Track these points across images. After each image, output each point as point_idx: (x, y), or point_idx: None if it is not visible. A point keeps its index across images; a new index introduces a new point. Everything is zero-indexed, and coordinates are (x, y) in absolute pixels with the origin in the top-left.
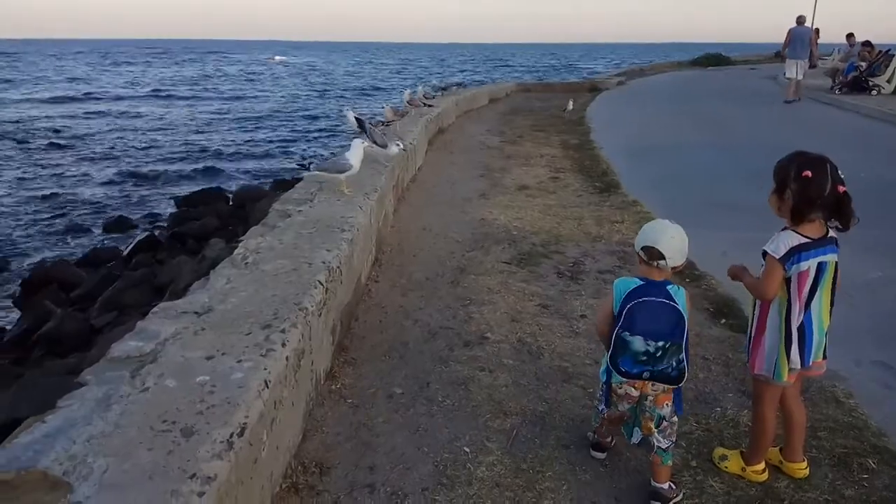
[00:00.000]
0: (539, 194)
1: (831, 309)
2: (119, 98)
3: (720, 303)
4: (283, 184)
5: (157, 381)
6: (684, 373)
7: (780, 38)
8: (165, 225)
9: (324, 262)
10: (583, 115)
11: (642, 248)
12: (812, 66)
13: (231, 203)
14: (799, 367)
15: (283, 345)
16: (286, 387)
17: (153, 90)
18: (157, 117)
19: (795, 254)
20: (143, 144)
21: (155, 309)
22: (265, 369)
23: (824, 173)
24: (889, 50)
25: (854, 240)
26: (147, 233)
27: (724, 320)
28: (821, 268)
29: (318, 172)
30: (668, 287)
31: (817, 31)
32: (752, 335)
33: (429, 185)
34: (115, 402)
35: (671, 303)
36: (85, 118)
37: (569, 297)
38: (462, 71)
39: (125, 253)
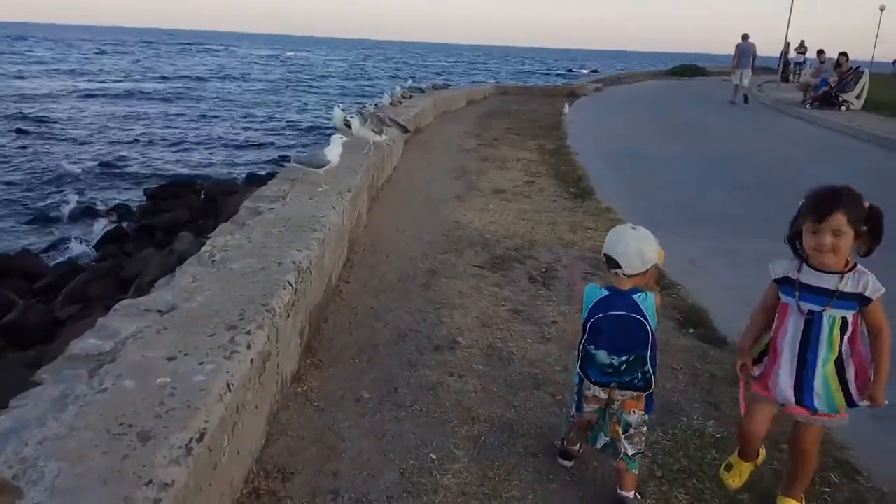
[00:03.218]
0: (514, 198)
1: None
2: (101, 85)
3: (689, 312)
4: (257, 178)
5: (115, 381)
6: (650, 382)
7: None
8: (134, 216)
9: (294, 262)
10: (559, 119)
11: (603, 255)
12: (784, 78)
13: (203, 196)
14: None
15: (248, 347)
16: (250, 390)
17: (135, 79)
18: (132, 106)
19: None
20: (117, 133)
21: (116, 306)
22: (228, 372)
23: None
24: (858, 67)
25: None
26: (115, 224)
27: (692, 330)
28: None
29: (297, 165)
30: (635, 296)
31: (802, 43)
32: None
33: (404, 186)
34: (71, 402)
35: (636, 315)
36: (59, 103)
37: (540, 303)
38: (440, 73)
39: (92, 244)
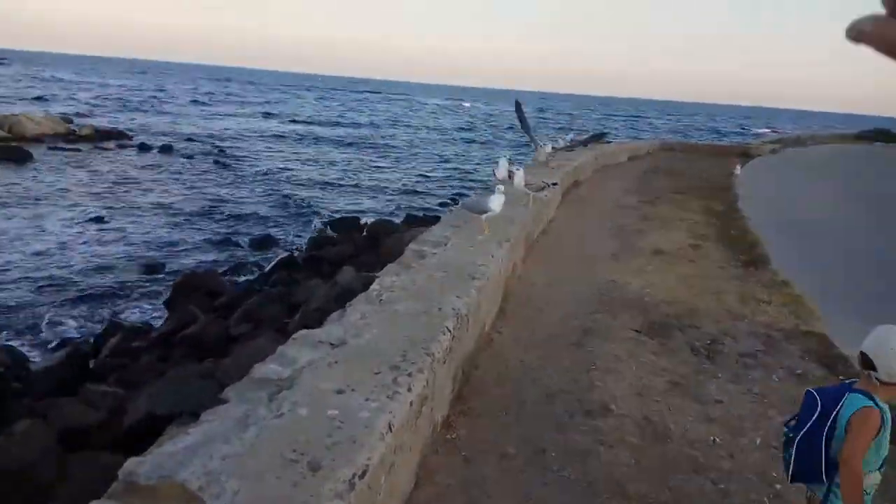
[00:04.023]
0: (676, 261)
1: None
2: (289, 125)
3: None
4: (416, 220)
5: (291, 407)
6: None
7: None
8: (304, 247)
9: (453, 309)
10: (729, 180)
11: (860, 351)
12: None
13: (365, 234)
14: None
15: (409, 389)
16: (407, 431)
17: (305, 119)
18: (308, 146)
19: None
20: (295, 170)
21: (295, 336)
22: (391, 412)
23: None
24: None
25: None
26: (288, 252)
27: None
28: None
29: (462, 209)
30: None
31: None
32: None
33: (559, 240)
34: (253, 423)
35: None
36: (252, 140)
37: (703, 378)
38: (602, 125)
39: (266, 269)
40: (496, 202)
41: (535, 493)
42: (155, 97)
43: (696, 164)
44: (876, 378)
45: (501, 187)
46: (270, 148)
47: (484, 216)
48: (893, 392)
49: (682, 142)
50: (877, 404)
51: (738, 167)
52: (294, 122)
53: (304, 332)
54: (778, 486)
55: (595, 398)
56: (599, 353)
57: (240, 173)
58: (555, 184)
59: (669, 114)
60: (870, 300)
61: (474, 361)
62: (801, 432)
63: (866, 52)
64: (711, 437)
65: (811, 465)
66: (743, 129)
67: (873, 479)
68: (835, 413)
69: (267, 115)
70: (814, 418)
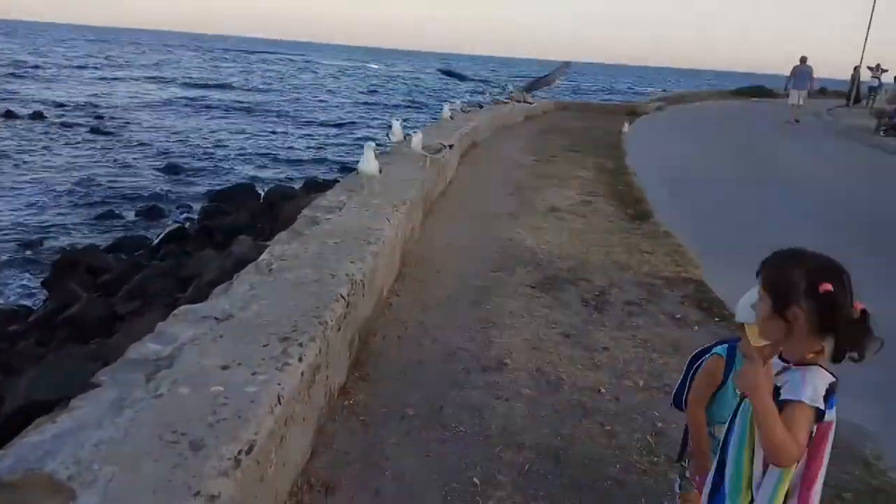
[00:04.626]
0: (569, 217)
1: None
2: (167, 87)
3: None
4: (315, 185)
5: (170, 387)
6: None
7: (822, 73)
8: (196, 217)
9: (348, 275)
10: (619, 138)
11: None
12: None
13: (262, 201)
14: None
15: (300, 359)
16: (299, 402)
17: (196, 82)
18: (198, 109)
19: (829, 398)
20: (183, 136)
21: (175, 311)
22: (279, 384)
23: (844, 286)
24: None
25: (893, 287)
26: (177, 224)
27: None
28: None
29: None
30: None
31: (878, 66)
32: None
33: (458, 201)
34: (128, 406)
35: None
36: (135, 106)
37: (592, 328)
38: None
39: (154, 243)
40: (364, 163)
41: (433, 450)
42: (24, 60)
43: (589, 122)
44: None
45: (372, 144)
46: (155, 114)
47: (365, 177)
48: (746, 340)
49: (576, 101)
50: (732, 355)
51: (627, 125)
52: (181, 85)
53: (185, 307)
54: (659, 424)
55: (492, 354)
56: (497, 311)
57: (122, 142)
58: (451, 145)
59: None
60: (743, 247)
61: (372, 327)
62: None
63: (745, 15)
64: (599, 384)
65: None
66: (633, 88)
67: (721, 433)
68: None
69: (151, 79)
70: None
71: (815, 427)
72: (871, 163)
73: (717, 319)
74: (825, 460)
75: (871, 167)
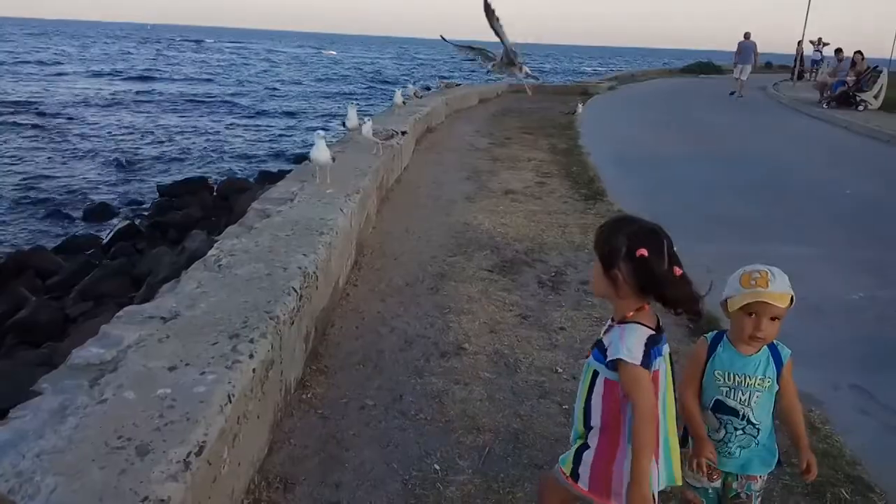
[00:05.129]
0: (525, 199)
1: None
2: (113, 81)
3: (702, 320)
4: (270, 176)
5: (115, 392)
6: None
7: (769, 49)
8: (147, 214)
9: (300, 268)
10: (571, 118)
11: None
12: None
13: (215, 194)
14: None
15: (251, 356)
16: (252, 400)
17: (142, 74)
18: (146, 102)
19: (651, 350)
20: (131, 130)
21: (120, 313)
22: (229, 383)
23: (661, 251)
24: (877, 66)
25: (836, 259)
26: (128, 221)
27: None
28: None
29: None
30: None
31: (820, 39)
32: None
33: (414, 187)
34: (71, 413)
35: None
36: (72, 100)
37: (549, 308)
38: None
39: (104, 241)
40: (314, 151)
41: (393, 439)
42: None
43: (542, 103)
44: None
45: (322, 132)
46: (102, 109)
47: (317, 167)
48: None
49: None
50: (717, 340)
51: (580, 105)
52: (128, 78)
53: (131, 307)
54: None
55: (451, 339)
56: (455, 296)
57: (66, 139)
58: (404, 132)
59: (528, 53)
60: (690, 222)
61: (329, 318)
62: None
63: None
64: (556, 364)
65: None
66: (588, 67)
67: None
68: None
69: (96, 74)
70: None
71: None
72: (813, 133)
73: None
74: (661, 401)
75: (813, 138)
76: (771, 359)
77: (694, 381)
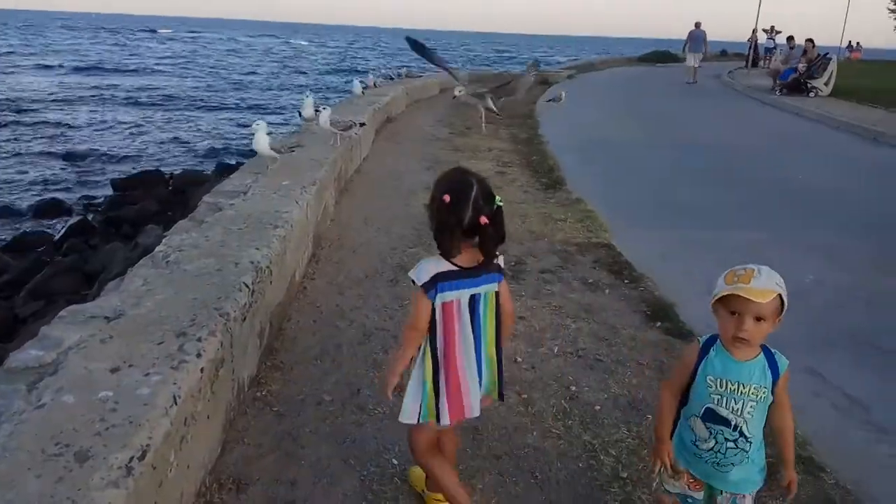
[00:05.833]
0: None
1: (499, 341)
2: (64, 74)
3: (656, 305)
4: (228, 168)
5: (54, 396)
6: None
7: (724, 37)
8: (101, 209)
9: (252, 262)
10: (532, 108)
11: None
12: (754, 64)
13: (171, 187)
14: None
15: (199, 355)
16: (200, 400)
17: (95, 65)
18: (99, 94)
19: (438, 283)
20: (84, 125)
21: (62, 313)
22: (175, 383)
23: (466, 200)
24: (826, 54)
25: (787, 242)
26: (80, 217)
27: (659, 323)
28: (475, 300)
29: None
30: None
31: (773, 28)
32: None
33: (373, 177)
34: (7, 420)
35: None
36: (27, 95)
37: None
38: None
39: (56, 238)
40: (255, 143)
41: (350, 434)
42: None
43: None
44: None
45: (262, 122)
46: (51, 103)
47: (268, 158)
48: None
49: (489, 73)
50: (708, 345)
51: (563, 93)
52: (81, 71)
53: (73, 307)
54: (573, 388)
55: None
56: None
57: (14, 133)
58: (362, 123)
59: (487, 41)
60: (647, 209)
61: (285, 312)
62: None
63: None
64: (516, 354)
65: None
66: (550, 57)
67: (696, 426)
68: None
69: (42, 67)
70: None
71: (439, 307)
72: (766, 120)
73: (626, 281)
74: (458, 335)
75: (766, 124)
76: (767, 367)
77: (677, 381)
